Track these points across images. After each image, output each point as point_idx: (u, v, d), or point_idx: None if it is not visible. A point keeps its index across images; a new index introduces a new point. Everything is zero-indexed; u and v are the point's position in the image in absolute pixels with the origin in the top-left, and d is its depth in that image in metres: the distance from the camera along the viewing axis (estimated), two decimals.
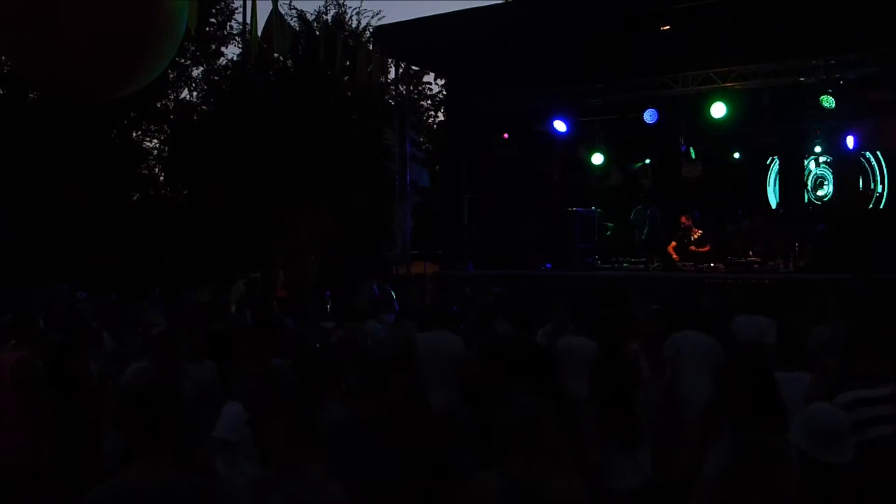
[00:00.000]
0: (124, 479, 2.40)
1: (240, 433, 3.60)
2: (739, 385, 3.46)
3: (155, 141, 23.91)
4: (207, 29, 22.54)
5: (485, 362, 4.82)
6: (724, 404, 3.51)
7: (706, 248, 13.45)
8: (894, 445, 3.47)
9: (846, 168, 13.33)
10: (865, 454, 3.17)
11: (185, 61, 22.68)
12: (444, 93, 22.91)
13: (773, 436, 2.80)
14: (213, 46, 23.27)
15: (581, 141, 15.26)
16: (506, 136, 15.37)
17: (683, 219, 13.80)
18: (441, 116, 25.16)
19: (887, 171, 13.25)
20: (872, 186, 13.48)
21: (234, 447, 3.73)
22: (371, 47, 15.31)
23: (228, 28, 23.31)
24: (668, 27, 12.40)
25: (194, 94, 23.97)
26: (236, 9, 22.98)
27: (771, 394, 3.45)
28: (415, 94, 23.16)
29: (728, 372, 3.73)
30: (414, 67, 19.22)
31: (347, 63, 17.81)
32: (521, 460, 2.86)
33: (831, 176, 13.83)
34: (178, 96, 23.43)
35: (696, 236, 13.67)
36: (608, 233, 15.13)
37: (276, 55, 21.31)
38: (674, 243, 13.72)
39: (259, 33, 11.20)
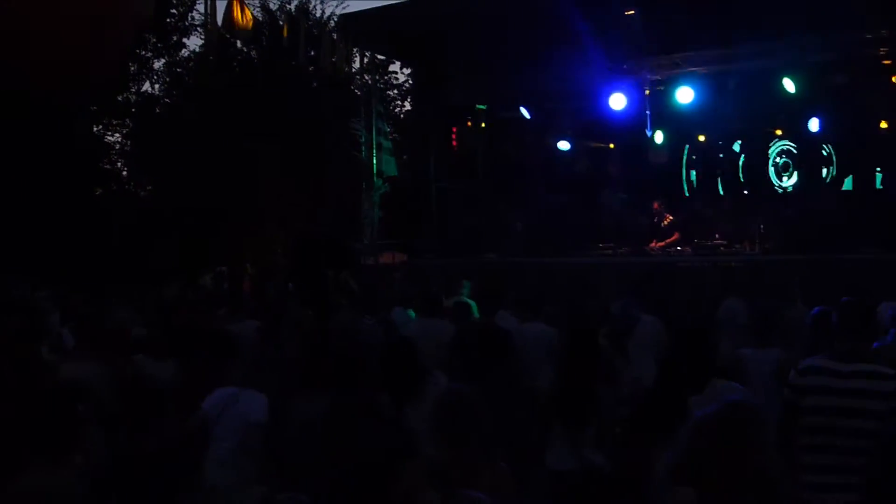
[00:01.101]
0: (20, 481, 2.22)
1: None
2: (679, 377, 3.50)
3: (117, 135, 23.52)
4: (168, 20, 22.11)
5: (451, 351, 4.83)
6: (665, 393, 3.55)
7: (674, 237, 13.49)
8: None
9: (809, 151, 13.47)
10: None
11: (147, 53, 22.25)
12: (411, 82, 22.79)
13: None
14: (175, 38, 22.83)
15: (547, 127, 15.25)
16: (470, 123, 15.31)
17: (656, 204, 13.84)
18: (408, 105, 25.05)
19: (836, 156, 13.44)
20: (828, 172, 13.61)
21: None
22: (335, 36, 15.13)
23: (190, 18, 22.90)
24: (632, 12, 12.42)
25: (156, 86, 23.58)
26: None
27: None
28: (381, 83, 22.99)
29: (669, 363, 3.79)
30: (380, 56, 19.06)
31: (312, 53, 17.59)
32: (446, 446, 2.85)
33: (795, 159, 13.97)
34: (139, 89, 23.01)
35: (666, 222, 13.72)
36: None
37: (238, 45, 21.15)
38: (654, 241, 13.61)
39: (220, 22, 11.04)
